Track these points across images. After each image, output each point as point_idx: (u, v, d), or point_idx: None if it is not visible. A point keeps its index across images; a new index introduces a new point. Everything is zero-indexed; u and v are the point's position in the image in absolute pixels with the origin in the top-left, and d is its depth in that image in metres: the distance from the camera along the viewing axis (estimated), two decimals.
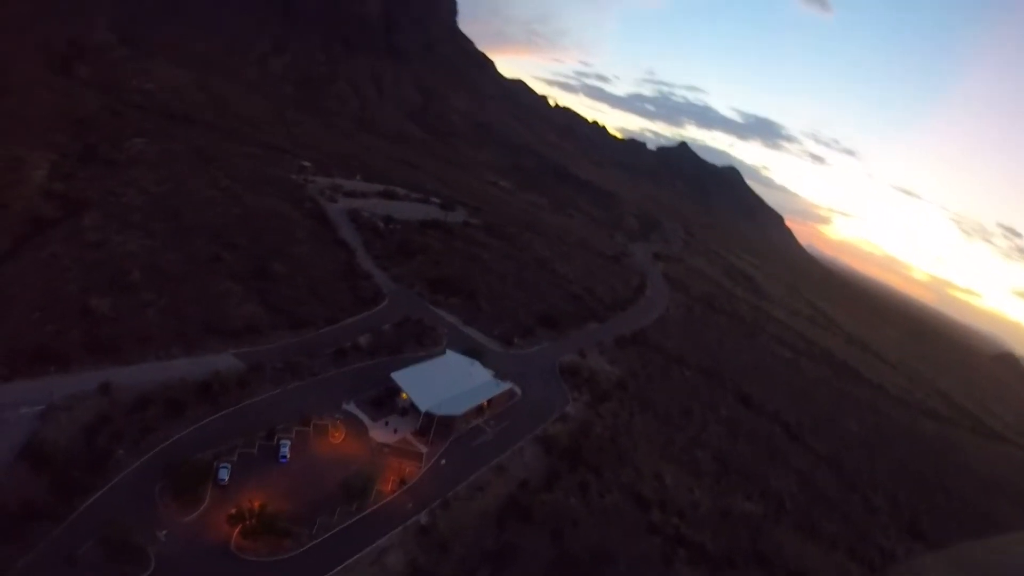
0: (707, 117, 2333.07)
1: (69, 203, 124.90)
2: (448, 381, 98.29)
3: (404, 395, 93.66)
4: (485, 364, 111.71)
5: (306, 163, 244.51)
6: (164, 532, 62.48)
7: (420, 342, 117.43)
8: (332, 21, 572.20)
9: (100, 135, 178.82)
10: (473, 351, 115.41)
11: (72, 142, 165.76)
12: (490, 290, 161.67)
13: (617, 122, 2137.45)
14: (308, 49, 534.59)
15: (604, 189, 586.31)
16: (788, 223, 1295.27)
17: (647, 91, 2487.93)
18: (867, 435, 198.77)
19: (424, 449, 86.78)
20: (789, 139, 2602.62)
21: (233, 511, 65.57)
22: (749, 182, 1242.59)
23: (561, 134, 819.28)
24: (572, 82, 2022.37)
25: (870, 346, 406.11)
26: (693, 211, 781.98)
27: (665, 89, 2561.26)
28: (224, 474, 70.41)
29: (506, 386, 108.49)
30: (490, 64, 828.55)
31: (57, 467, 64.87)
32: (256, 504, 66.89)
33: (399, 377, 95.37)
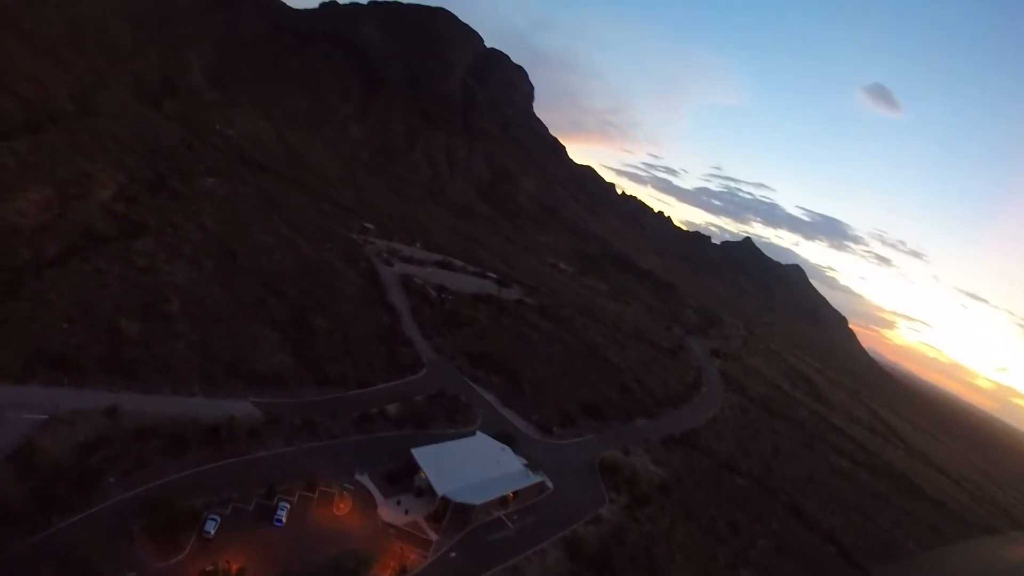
0: (773, 215, 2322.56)
1: (127, 225, 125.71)
2: (473, 465, 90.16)
3: (422, 474, 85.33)
4: (517, 451, 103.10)
5: (369, 225, 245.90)
6: (134, 574, 56.82)
7: (452, 418, 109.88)
8: (414, 94, 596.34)
9: (173, 167, 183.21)
10: (506, 436, 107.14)
11: (144, 169, 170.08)
12: (535, 372, 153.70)
13: (683, 215, 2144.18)
14: (388, 118, 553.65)
15: (664, 280, 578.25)
16: (851, 326, 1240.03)
17: (714, 186, 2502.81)
18: (926, 558, 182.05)
19: (435, 537, 77.92)
20: (855, 239, 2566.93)
21: (209, 568, 58.97)
22: (813, 282, 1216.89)
23: (626, 222, 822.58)
24: (641, 173, 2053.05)
25: (932, 459, 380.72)
26: (755, 308, 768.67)
27: (732, 185, 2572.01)
28: (211, 526, 64.13)
29: (536, 478, 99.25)
30: (561, 149, 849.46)
31: (43, 478, 61.34)
32: (235, 566, 60.07)
33: (420, 454, 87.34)
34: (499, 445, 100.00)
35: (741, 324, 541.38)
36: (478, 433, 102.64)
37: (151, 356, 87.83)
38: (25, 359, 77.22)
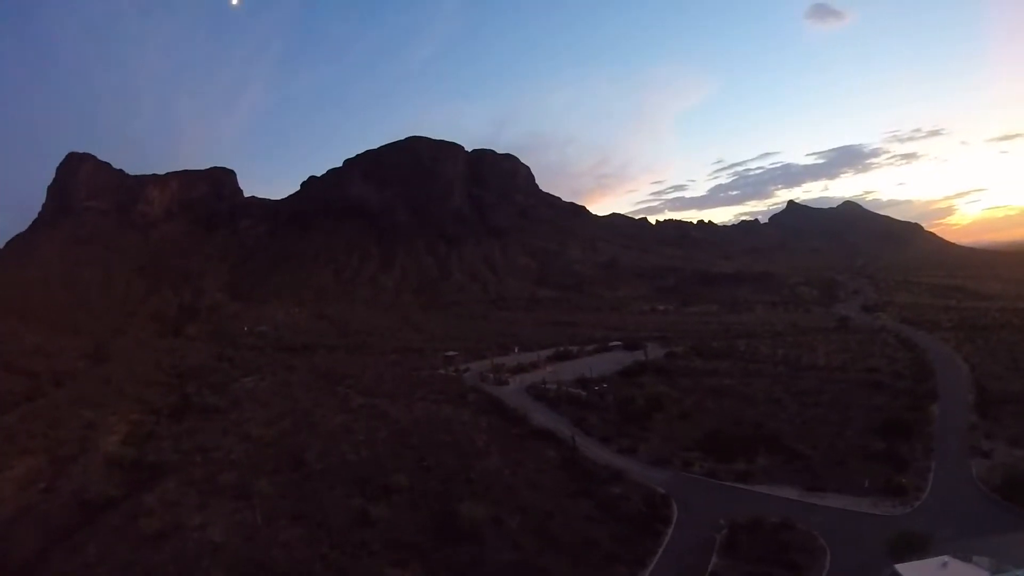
0: (790, 173, 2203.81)
1: (138, 473, 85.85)
2: None
3: None
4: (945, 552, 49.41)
5: (451, 352, 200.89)
6: None
7: (795, 568, 56.96)
8: (426, 225, 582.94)
9: (202, 383, 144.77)
10: (912, 540, 53.11)
11: (166, 396, 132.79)
12: (787, 424, 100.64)
13: (713, 219, 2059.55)
14: (414, 256, 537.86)
15: (755, 274, 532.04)
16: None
17: (724, 179, 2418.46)
18: None
19: None
20: (875, 153, 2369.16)
21: None
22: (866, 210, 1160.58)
23: (678, 245, 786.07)
24: (654, 203, 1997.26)
25: None
26: (842, 259, 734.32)
27: (740, 169, 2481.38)
28: None
29: None
30: (583, 210, 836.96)
31: None
32: None
33: None
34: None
35: (853, 276, 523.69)
36: (895, 567, 47.70)
37: None
38: None
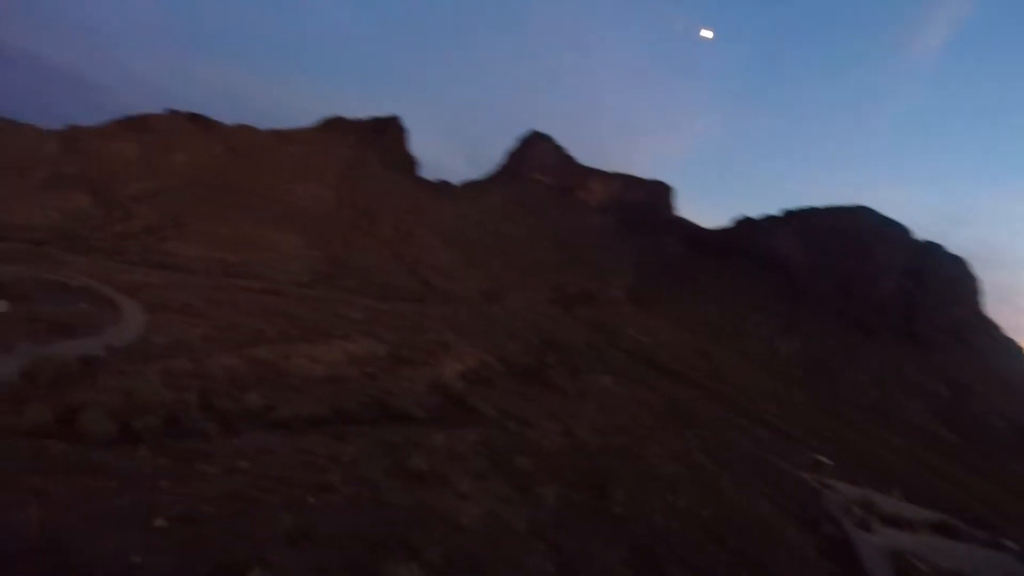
0: None
1: (452, 407, 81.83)
2: None
3: None
4: None
5: (823, 458, 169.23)
6: None
7: None
8: (845, 304, 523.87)
9: (561, 359, 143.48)
10: None
11: (525, 355, 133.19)
12: None
13: None
14: (820, 332, 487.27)
15: None
16: None
17: None
18: None
19: None
20: None
21: None
22: None
23: None
24: None
25: None
26: None
27: None
28: None
29: None
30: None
31: None
32: None
33: None
34: None
35: None
36: None
37: None
38: None
